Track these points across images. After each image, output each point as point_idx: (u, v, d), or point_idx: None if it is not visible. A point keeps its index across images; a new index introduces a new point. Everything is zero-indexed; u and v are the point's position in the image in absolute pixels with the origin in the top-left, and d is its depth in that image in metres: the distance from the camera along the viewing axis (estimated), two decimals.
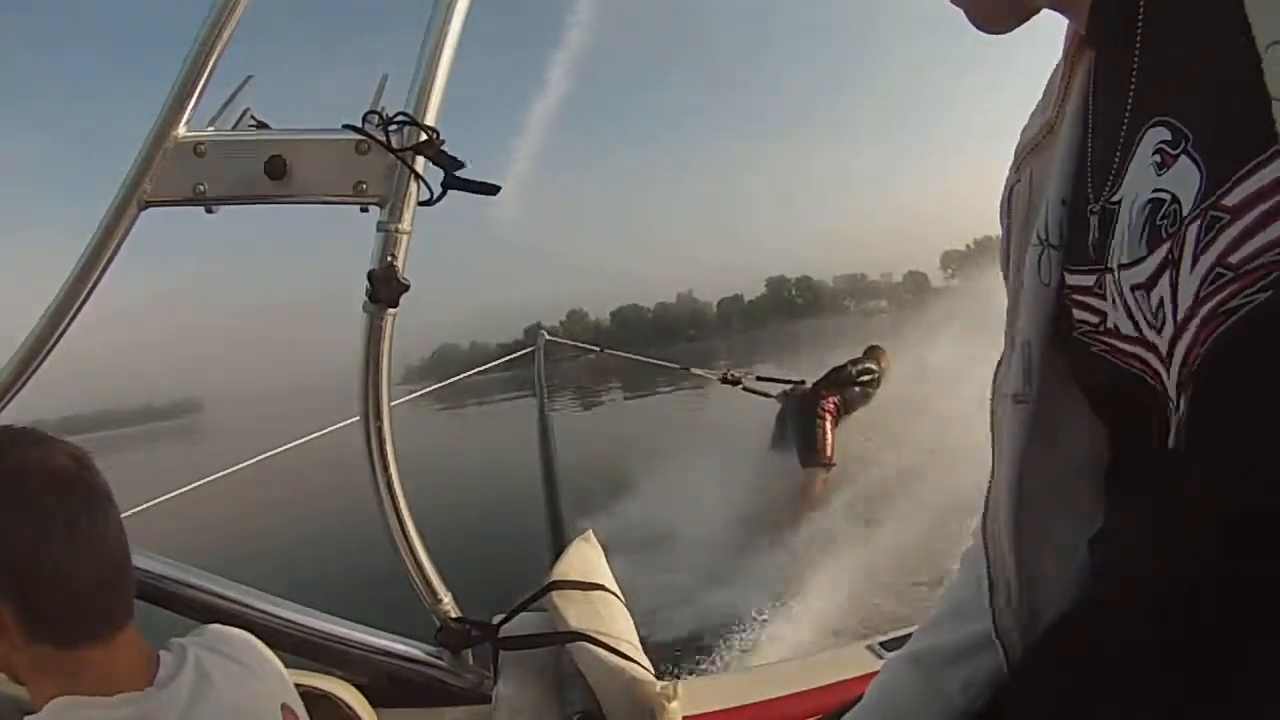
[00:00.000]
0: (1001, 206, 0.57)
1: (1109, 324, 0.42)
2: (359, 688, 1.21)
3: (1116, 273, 0.40)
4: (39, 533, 0.70)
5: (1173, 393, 0.36)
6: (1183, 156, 0.35)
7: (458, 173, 1.05)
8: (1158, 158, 0.37)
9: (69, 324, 1.06)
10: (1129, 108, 0.40)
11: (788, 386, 5.74)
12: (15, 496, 0.70)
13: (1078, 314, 0.45)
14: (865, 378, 5.66)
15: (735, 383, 5.84)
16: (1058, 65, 0.52)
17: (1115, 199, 0.41)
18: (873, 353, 5.89)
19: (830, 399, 5.46)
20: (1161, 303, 0.36)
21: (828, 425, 5.32)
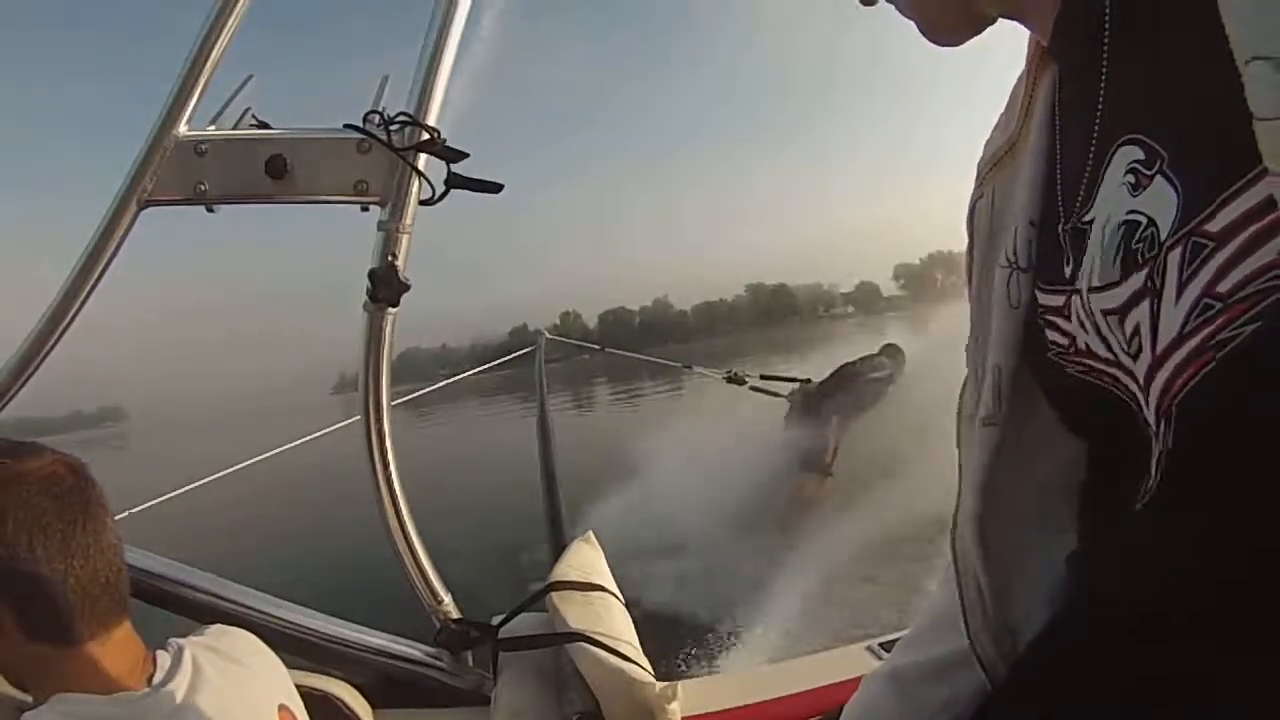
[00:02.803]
0: (967, 222, 0.56)
1: (1079, 345, 0.41)
2: (359, 688, 1.22)
3: (1085, 295, 0.39)
4: (37, 540, 0.72)
5: (1152, 421, 0.35)
6: (1158, 177, 0.33)
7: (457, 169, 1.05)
8: (1131, 178, 0.35)
9: (69, 324, 1.05)
10: (1098, 123, 0.38)
11: (794, 385, 5.51)
12: (14, 505, 0.72)
13: (1050, 335, 0.44)
14: (877, 374, 5.42)
15: (740, 382, 5.57)
16: (1020, 78, 0.50)
17: (1087, 219, 0.39)
18: (888, 349, 5.66)
19: (838, 398, 5.20)
20: (1137, 330, 0.35)
21: (833, 427, 5.05)
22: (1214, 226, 0.30)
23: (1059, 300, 0.43)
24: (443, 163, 1.05)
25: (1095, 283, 0.38)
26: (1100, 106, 0.38)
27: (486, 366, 6.07)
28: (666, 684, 1.15)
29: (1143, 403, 0.36)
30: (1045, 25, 0.43)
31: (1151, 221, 0.34)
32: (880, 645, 1.34)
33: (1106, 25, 0.38)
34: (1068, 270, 0.42)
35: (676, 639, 3.62)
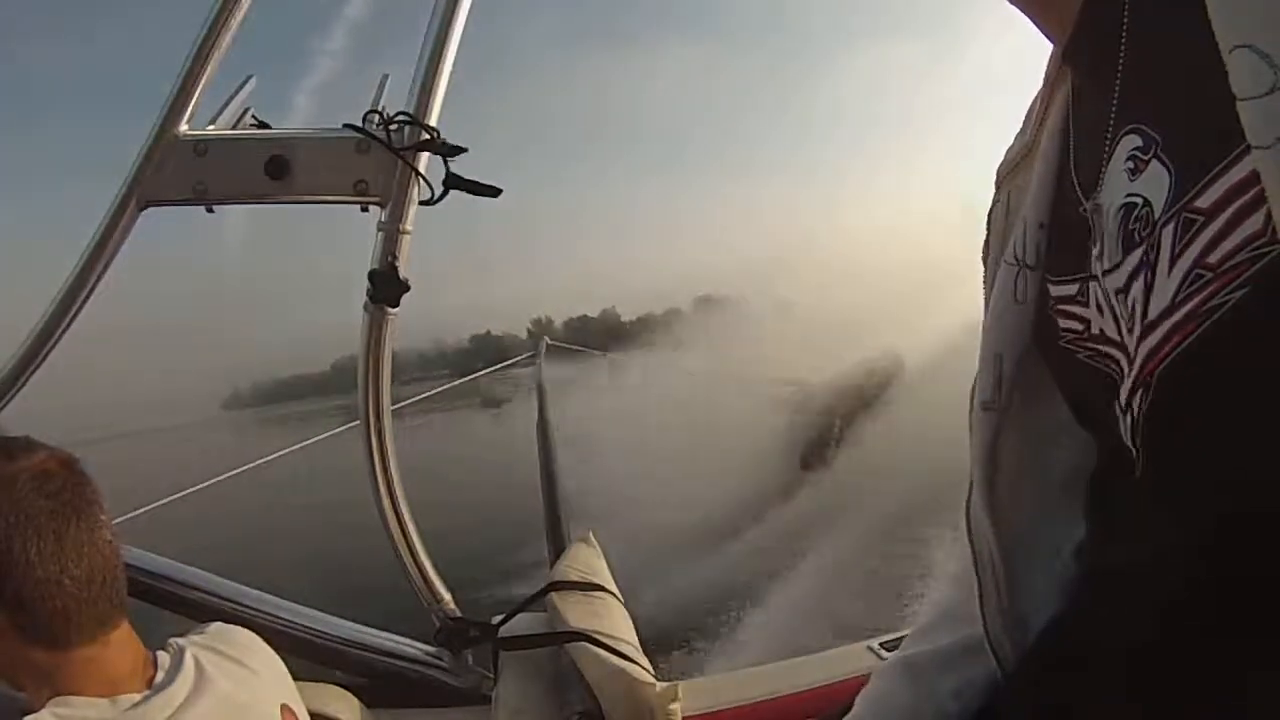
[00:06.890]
0: (985, 223, 0.58)
1: (1094, 330, 0.42)
2: (358, 687, 1.21)
3: (1101, 279, 0.40)
4: (31, 541, 0.71)
5: (1124, 395, 0.37)
6: (1153, 161, 0.36)
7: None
8: (1130, 164, 0.37)
9: (69, 324, 1.06)
10: (1111, 120, 0.41)
11: (795, 386, 5.78)
12: (7, 503, 0.71)
13: (1063, 323, 0.46)
14: (876, 378, 5.69)
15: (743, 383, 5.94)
16: (1039, 91, 0.53)
17: (1095, 207, 0.42)
18: (887, 354, 5.93)
19: (839, 399, 5.46)
20: (1134, 305, 0.36)
21: (834, 428, 5.31)
22: (1203, 202, 0.32)
23: (1072, 289, 0.44)
24: (442, 165, 1.05)
25: (1106, 265, 0.40)
26: (1115, 103, 0.40)
27: (487, 370, 6.14)
28: (667, 684, 1.15)
29: (1127, 377, 0.37)
30: (1064, 25, 0.44)
31: (1147, 202, 0.36)
32: (881, 645, 1.34)
33: (1124, 26, 0.40)
34: (1079, 259, 0.43)
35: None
